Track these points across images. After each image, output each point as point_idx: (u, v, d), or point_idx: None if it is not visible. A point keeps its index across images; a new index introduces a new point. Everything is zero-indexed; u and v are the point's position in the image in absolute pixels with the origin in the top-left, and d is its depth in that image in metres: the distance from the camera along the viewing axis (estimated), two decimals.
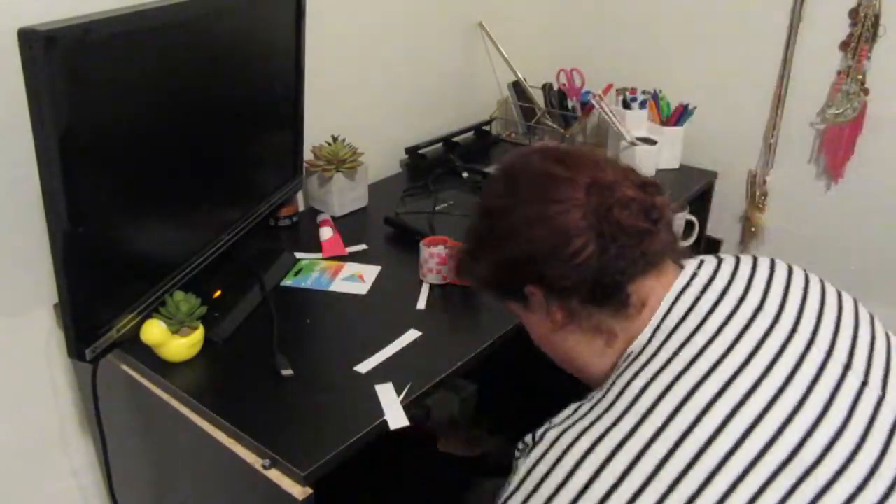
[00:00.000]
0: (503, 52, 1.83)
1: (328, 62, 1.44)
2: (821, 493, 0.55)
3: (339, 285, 1.15)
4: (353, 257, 1.25)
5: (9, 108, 0.98)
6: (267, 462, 0.82)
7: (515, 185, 0.73)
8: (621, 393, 0.64)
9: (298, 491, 0.79)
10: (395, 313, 1.08)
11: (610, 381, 0.66)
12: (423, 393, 0.92)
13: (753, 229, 1.73)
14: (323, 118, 1.45)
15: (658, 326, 0.68)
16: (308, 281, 1.16)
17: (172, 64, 0.91)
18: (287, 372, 0.94)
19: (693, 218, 1.67)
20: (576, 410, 0.66)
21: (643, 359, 0.66)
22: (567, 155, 0.74)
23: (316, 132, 1.40)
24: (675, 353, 0.64)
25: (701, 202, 1.70)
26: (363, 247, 1.29)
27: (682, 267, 0.74)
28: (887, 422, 0.60)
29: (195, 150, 1.00)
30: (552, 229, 0.69)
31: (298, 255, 1.25)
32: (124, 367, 0.99)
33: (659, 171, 1.66)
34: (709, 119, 1.69)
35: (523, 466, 0.64)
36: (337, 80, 1.48)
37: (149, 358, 0.96)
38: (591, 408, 0.65)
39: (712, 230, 1.80)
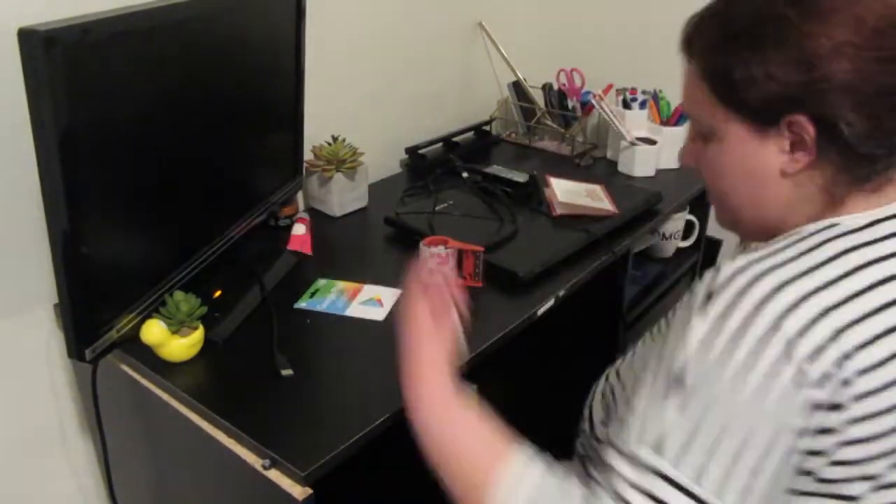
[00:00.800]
0: (503, 52, 1.83)
1: (328, 62, 1.44)
2: None
3: (355, 310, 1.09)
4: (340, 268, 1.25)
5: (9, 108, 0.98)
6: (267, 462, 0.82)
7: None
8: (832, 259, 0.63)
9: (298, 491, 0.79)
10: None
11: (808, 242, 0.65)
12: None
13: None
14: (323, 118, 1.45)
15: (880, 220, 0.66)
16: (323, 304, 1.11)
17: (172, 64, 0.91)
18: (287, 372, 0.94)
19: (693, 218, 1.67)
20: (761, 259, 0.64)
21: (861, 237, 0.65)
22: None
23: (316, 132, 1.40)
24: None
25: (701, 202, 1.70)
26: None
27: None
28: None
29: (195, 150, 1.00)
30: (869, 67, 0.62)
31: (322, 280, 1.24)
32: (124, 367, 0.99)
33: (659, 171, 1.66)
34: None
35: (716, 307, 0.62)
36: (337, 80, 1.48)
37: (149, 358, 0.96)
38: (789, 259, 0.63)
39: (712, 230, 1.80)
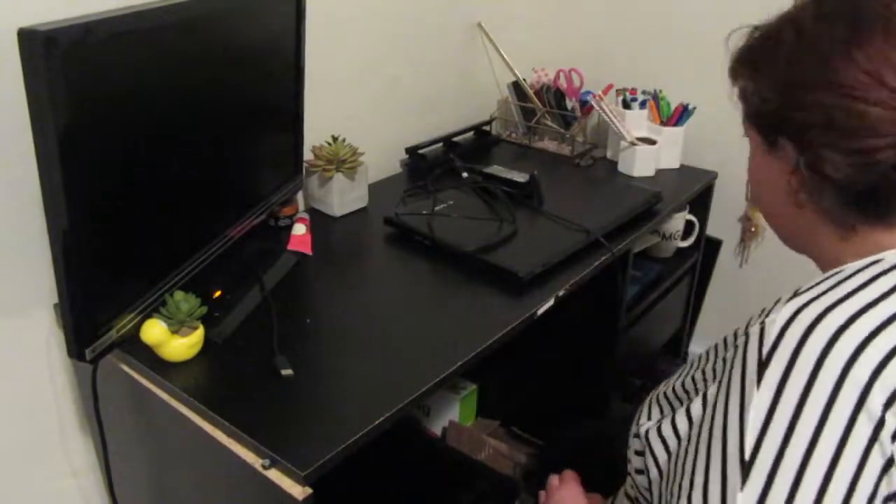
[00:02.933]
0: (502, 52, 1.83)
1: (328, 62, 1.44)
2: None
3: None
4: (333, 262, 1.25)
5: (9, 108, 0.98)
6: (267, 462, 0.82)
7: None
8: (888, 294, 0.58)
9: (298, 491, 0.79)
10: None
11: (855, 280, 0.61)
12: (422, 393, 0.92)
13: (753, 229, 1.73)
14: (323, 118, 1.45)
15: None
16: None
17: (172, 64, 0.91)
18: (287, 372, 0.94)
19: (693, 218, 1.67)
20: (810, 303, 0.59)
21: None
22: None
23: (316, 132, 1.40)
24: None
25: (701, 202, 1.70)
26: None
27: None
28: None
29: (195, 150, 1.00)
30: (856, 113, 0.60)
31: None
32: (124, 367, 0.99)
33: (659, 171, 1.66)
34: (709, 119, 1.69)
35: (773, 373, 0.56)
36: (337, 80, 1.48)
37: (149, 358, 0.96)
38: (840, 299, 0.58)
39: (712, 230, 1.80)
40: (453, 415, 1.54)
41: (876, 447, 0.53)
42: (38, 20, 0.70)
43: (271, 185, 1.26)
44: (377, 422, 0.86)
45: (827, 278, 0.63)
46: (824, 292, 0.60)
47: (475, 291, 1.14)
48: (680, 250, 1.71)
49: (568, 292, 1.17)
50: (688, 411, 0.67)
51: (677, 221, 1.64)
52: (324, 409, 0.88)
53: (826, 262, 0.70)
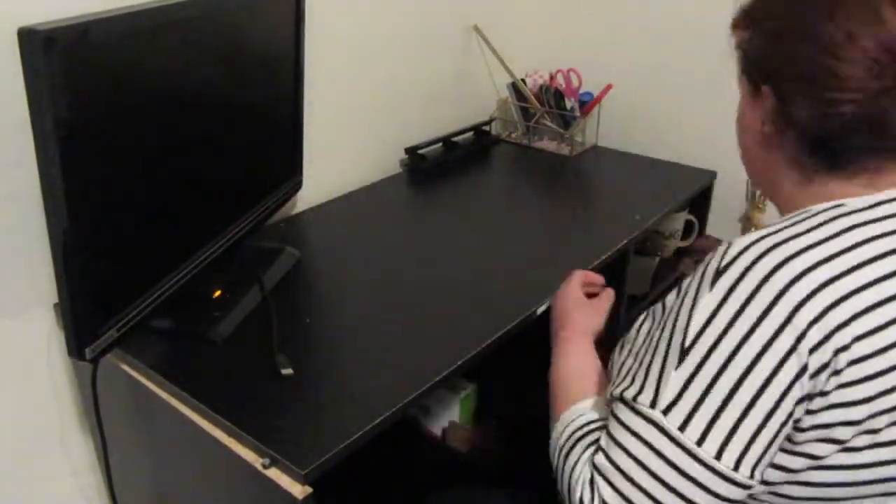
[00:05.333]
0: (499, 54, 1.83)
1: (328, 62, 1.44)
2: None
3: None
4: None
5: (9, 108, 0.98)
6: (267, 461, 0.82)
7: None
8: (840, 234, 0.66)
9: (298, 490, 0.79)
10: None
11: (815, 219, 0.68)
12: (422, 392, 0.92)
13: (753, 229, 1.73)
14: (323, 118, 1.45)
15: (881, 203, 0.69)
16: None
17: (172, 64, 0.91)
18: (287, 371, 0.94)
19: (693, 218, 1.67)
20: (769, 235, 0.67)
21: (864, 216, 0.67)
22: None
23: (316, 132, 1.40)
24: None
25: (701, 202, 1.70)
26: None
27: None
28: None
29: (195, 150, 1.00)
30: (828, 67, 0.67)
31: None
32: (124, 367, 0.99)
33: (657, 167, 1.65)
34: (708, 119, 1.69)
35: (725, 279, 0.65)
36: (337, 80, 1.48)
37: (149, 357, 0.97)
38: (795, 235, 0.66)
39: (712, 230, 1.80)
40: (453, 415, 1.54)
41: (794, 356, 0.62)
42: (39, 20, 0.71)
43: (271, 184, 1.26)
44: (377, 421, 0.86)
45: (792, 217, 0.70)
46: (786, 227, 0.68)
47: (476, 291, 1.15)
48: (680, 250, 1.71)
49: None
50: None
51: (677, 221, 1.64)
52: (324, 409, 0.89)
53: (786, 207, 0.77)
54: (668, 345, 0.68)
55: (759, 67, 0.75)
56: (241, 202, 1.16)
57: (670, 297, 0.74)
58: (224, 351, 1.00)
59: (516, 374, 1.57)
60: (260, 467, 0.82)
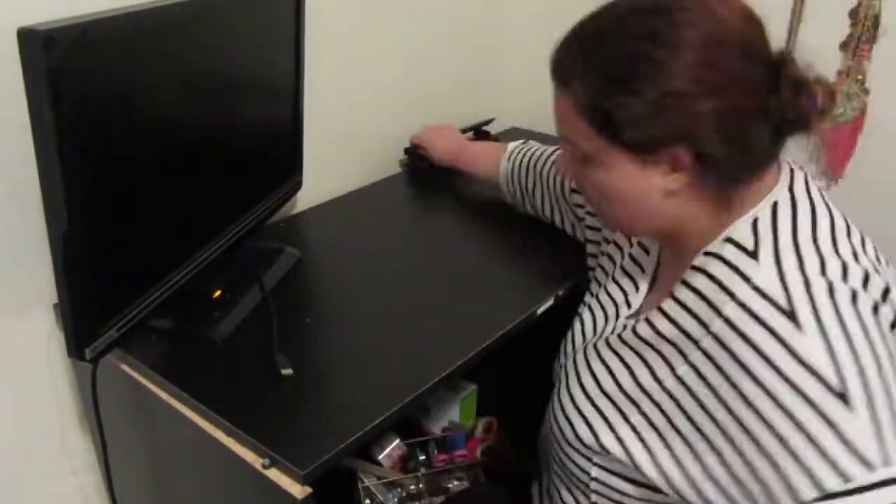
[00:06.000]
0: (501, 53, 1.83)
1: (328, 62, 1.44)
2: None
3: None
4: None
5: (9, 108, 0.98)
6: (266, 461, 0.82)
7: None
8: (801, 214, 0.73)
9: (298, 490, 0.79)
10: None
11: (757, 230, 0.72)
12: (422, 392, 0.92)
13: None
14: (323, 118, 1.45)
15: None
16: None
17: (172, 64, 0.91)
18: (287, 371, 0.94)
19: None
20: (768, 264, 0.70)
21: (805, 204, 0.74)
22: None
23: (316, 132, 1.40)
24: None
25: None
26: None
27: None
28: None
29: (195, 150, 1.00)
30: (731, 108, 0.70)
31: None
32: (124, 367, 0.99)
33: None
34: None
35: (810, 319, 0.65)
36: (337, 80, 1.48)
37: (149, 358, 0.97)
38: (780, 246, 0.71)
39: None
40: (453, 415, 1.54)
41: (878, 315, 0.66)
42: (39, 20, 0.70)
43: (271, 184, 1.26)
44: (377, 421, 0.86)
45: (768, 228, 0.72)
46: (755, 251, 0.71)
47: (476, 291, 1.15)
48: None
49: (568, 292, 1.17)
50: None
51: None
52: (324, 409, 0.89)
53: (698, 241, 0.77)
54: (809, 413, 0.61)
55: (659, 138, 0.71)
56: (241, 202, 1.16)
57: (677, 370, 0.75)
58: (224, 351, 1.00)
59: (516, 374, 1.57)
60: (259, 467, 0.82)
